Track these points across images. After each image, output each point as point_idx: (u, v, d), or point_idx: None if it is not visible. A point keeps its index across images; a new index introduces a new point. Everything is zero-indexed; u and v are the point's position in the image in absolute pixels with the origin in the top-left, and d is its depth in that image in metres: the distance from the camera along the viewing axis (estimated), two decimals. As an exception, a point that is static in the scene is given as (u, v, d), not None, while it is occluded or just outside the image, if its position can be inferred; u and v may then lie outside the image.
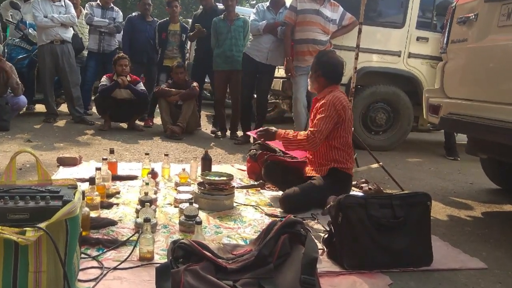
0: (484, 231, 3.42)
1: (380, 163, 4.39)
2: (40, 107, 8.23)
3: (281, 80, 6.93)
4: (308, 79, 3.89)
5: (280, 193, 3.81)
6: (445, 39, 3.91)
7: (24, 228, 1.65)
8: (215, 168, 4.44)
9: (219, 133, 7.00)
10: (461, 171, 5.72)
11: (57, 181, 2.08)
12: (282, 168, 3.78)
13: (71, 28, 7.11)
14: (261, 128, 3.82)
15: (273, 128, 3.76)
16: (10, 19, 8.16)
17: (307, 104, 5.89)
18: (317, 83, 3.73)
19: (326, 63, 3.69)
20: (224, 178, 3.56)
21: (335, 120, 3.48)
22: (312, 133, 3.47)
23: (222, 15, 6.71)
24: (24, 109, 7.50)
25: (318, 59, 3.77)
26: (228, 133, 6.98)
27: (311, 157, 3.74)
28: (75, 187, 1.98)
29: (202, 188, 3.45)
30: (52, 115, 7.13)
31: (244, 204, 3.55)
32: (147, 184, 3.27)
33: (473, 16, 3.54)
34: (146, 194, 3.04)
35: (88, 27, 7.69)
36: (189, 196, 3.36)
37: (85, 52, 7.79)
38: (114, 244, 2.53)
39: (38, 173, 2.10)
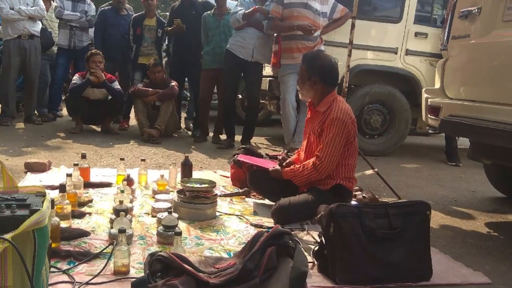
0: (488, 243, 3.45)
1: (375, 169, 4.41)
2: None
3: (268, 79, 6.93)
4: (299, 89, 3.67)
5: (267, 201, 3.82)
6: (446, 35, 3.95)
7: (-12, 240, 1.64)
8: (196, 174, 4.44)
9: (198, 134, 6.96)
10: (463, 178, 5.77)
11: (24, 188, 2.07)
12: (268, 176, 3.70)
13: (39, 22, 7.06)
14: (270, 169, 3.70)
15: (277, 167, 3.69)
16: None
17: (297, 105, 5.91)
18: (314, 91, 3.53)
19: (322, 67, 3.50)
20: (206, 185, 3.56)
21: (344, 140, 3.36)
22: (319, 159, 3.35)
23: (212, 10, 6.71)
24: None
25: (309, 63, 3.54)
26: (210, 136, 6.97)
27: None
28: (43, 195, 1.98)
29: (182, 196, 3.44)
30: (9, 117, 6.94)
31: (228, 214, 3.56)
32: (122, 191, 3.26)
33: (476, 10, 3.57)
34: (121, 202, 3.03)
35: (58, 21, 7.60)
36: (168, 204, 3.36)
37: (55, 48, 7.69)
38: (87, 256, 2.53)
39: (4, 180, 2.09)
